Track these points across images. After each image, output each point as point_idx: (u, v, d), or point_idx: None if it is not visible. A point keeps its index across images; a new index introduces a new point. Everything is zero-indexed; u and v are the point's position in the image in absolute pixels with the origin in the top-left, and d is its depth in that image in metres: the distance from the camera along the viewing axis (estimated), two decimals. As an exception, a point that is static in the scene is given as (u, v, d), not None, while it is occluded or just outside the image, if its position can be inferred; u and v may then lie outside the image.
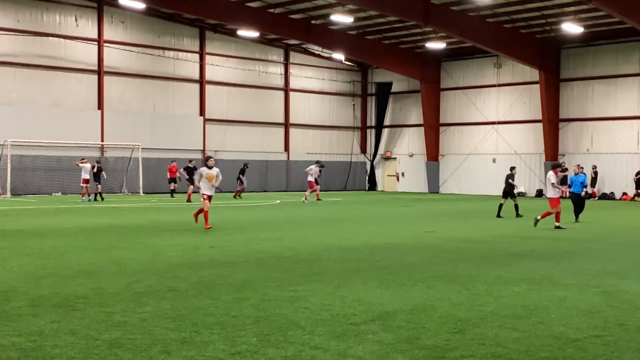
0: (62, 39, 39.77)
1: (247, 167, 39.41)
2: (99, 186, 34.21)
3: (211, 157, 20.41)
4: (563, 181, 43.33)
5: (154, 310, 8.54)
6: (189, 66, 44.78)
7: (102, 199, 33.82)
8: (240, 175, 38.55)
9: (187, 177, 34.78)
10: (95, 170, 34.06)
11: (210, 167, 19.49)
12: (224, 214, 26.29)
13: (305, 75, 50.29)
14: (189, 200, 33.54)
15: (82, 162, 34.21)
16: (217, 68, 45.72)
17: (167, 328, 7.61)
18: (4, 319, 7.99)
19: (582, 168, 25.43)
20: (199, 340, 7.14)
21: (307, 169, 37.05)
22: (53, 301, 9.02)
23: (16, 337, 7.15)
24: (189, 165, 35.28)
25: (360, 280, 10.97)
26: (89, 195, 33.77)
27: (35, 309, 8.52)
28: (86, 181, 33.72)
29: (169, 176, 38.64)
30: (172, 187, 38.41)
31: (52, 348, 6.76)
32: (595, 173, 41.34)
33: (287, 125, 49.63)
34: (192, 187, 33.62)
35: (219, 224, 21.45)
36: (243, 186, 38.75)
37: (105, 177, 35.32)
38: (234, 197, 37.87)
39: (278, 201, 35.87)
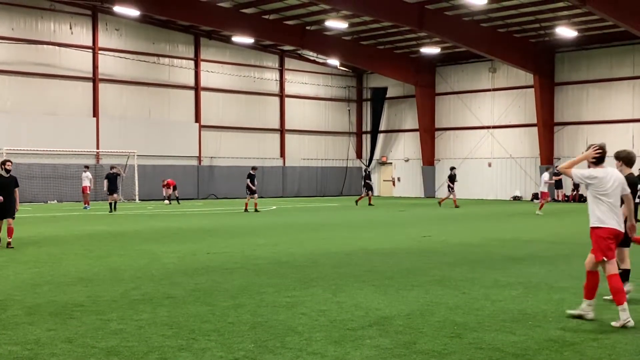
0: (56, 47, 39.81)
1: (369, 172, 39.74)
2: (116, 195, 31.60)
3: None
4: (558, 185, 43.56)
5: (151, 317, 8.53)
6: (184, 73, 44.84)
7: (116, 209, 30.74)
8: (368, 181, 38.57)
9: (251, 186, 31.24)
10: (110, 177, 31.36)
11: None
12: (220, 220, 26.27)
13: (300, 81, 50.39)
14: (247, 209, 31.28)
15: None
16: (212, 74, 45.77)
17: (164, 335, 7.60)
18: (0, 327, 7.97)
19: None
20: (196, 347, 7.13)
21: (544, 178, 31.08)
22: (49, 309, 9.00)
23: (13, 346, 7.13)
24: (251, 172, 32.04)
25: (357, 285, 10.97)
26: (87, 203, 33.53)
27: (32, 317, 8.50)
28: (86, 189, 33.58)
29: (168, 186, 38.68)
30: (165, 195, 38.49)
31: (48, 356, 6.75)
32: None
33: (282, 131, 49.68)
34: (254, 195, 31.37)
35: (215, 230, 21.44)
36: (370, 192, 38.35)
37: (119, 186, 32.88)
38: (356, 203, 38.13)
39: (274, 207, 35.86)
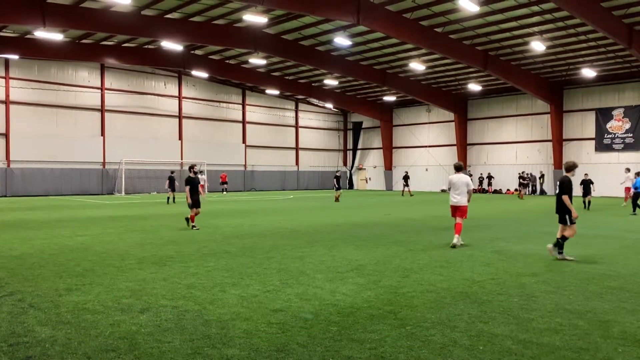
0: (155, 96, 39.77)
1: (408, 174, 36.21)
2: (173, 193, 26.33)
3: None
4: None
5: (215, 265, 8.55)
6: (236, 113, 44.77)
7: (174, 202, 25.96)
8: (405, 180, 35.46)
9: (336, 184, 28.52)
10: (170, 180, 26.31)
11: None
12: (257, 204, 26.23)
13: (308, 117, 50.32)
14: (337, 200, 28.32)
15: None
16: (253, 114, 45.72)
17: (223, 276, 7.63)
18: (120, 271, 8.01)
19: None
20: (243, 283, 7.15)
21: (629, 176, 23.99)
22: (152, 260, 9.03)
23: (128, 283, 7.17)
24: (337, 174, 28.95)
25: (344, 244, 11.00)
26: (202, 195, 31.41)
27: (141, 265, 8.54)
28: (201, 187, 31.70)
29: (221, 181, 38.67)
30: (223, 187, 38.49)
31: (151, 289, 6.78)
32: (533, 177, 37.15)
33: (297, 148, 49.59)
34: (339, 190, 28.40)
35: (255, 210, 21.39)
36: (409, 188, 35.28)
37: (177, 184, 26.92)
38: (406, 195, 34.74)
39: (292, 196, 35.85)
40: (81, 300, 6.22)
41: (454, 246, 10.43)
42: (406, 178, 36.37)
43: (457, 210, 10.78)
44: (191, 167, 14.33)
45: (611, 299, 6.40)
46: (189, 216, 14.11)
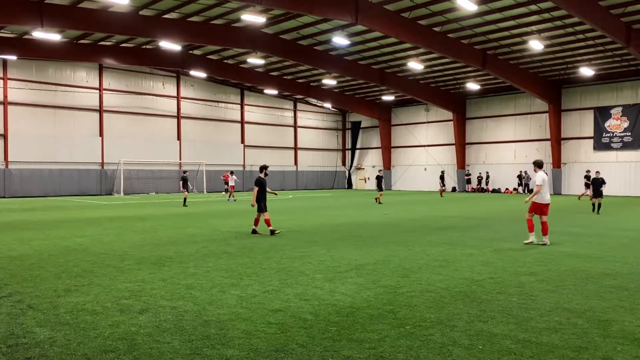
0: (154, 96, 39.71)
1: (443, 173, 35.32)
2: (187, 193, 24.79)
3: None
4: (468, 181, 43.47)
5: (214, 265, 8.55)
6: (234, 113, 44.73)
7: (185, 204, 24.31)
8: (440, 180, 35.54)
9: (380, 184, 27.01)
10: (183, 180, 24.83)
11: None
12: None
13: (307, 117, 50.30)
14: (379, 202, 26.31)
15: (228, 175, 31.26)
16: (252, 113, 45.68)
17: (222, 276, 7.63)
18: (119, 271, 8.00)
19: None
20: (243, 283, 7.15)
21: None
22: (151, 260, 9.03)
23: (127, 283, 7.17)
24: (379, 174, 27.56)
25: (343, 244, 11.00)
26: (232, 196, 30.19)
27: (140, 265, 8.53)
28: (232, 187, 30.64)
29: (225, 180, 38.55)
30: (225, 188, 38.45)
31: (150, 290, 6.78)
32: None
33: (296, 148, 49.57)
34: (381, 191, 26.91)
35: (254, 211, 21.37)
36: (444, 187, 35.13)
37: (190, 186, 25.73)
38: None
39: (291, 196, 35.83)
40: (80, 301, 6.21)
41: (545, 244, 10.79)
42: (442, 177, 35.35)
43: (546, 208, 11.00)
44: (263, 168, 12.87)
45: (610, 297, 6.41)
46: (271, 228, 12.85)
